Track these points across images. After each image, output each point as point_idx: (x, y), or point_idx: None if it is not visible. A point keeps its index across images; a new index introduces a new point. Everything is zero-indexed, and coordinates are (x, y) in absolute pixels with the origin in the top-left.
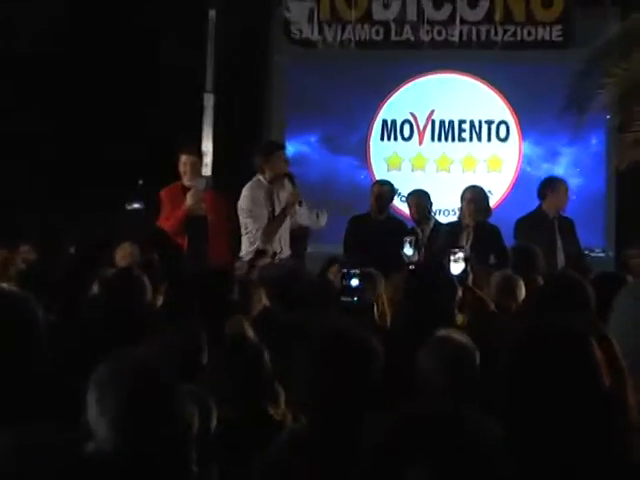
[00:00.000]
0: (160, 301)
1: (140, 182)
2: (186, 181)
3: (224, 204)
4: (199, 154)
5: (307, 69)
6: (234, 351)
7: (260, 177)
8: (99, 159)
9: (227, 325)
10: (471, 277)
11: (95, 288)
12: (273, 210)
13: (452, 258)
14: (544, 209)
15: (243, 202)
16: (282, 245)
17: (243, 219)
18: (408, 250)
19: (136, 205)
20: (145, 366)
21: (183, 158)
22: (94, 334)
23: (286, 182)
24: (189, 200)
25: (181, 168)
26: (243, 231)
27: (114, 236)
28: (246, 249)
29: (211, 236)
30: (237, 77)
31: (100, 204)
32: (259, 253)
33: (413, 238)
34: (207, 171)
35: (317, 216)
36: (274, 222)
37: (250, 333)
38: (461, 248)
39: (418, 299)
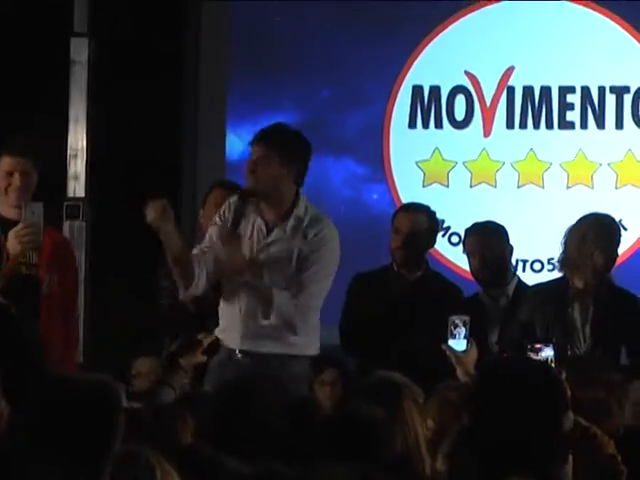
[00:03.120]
0: None
1: None
2: (8, 204)
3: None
4: (31, 154)
5: None
6: None
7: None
8: None
9: None
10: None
11: None
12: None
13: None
14: None
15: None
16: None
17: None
18: (457, 342)
19: None
20: None
21: (5, 162)
22: None
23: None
24: (13, 243)
25: (0, 182)
26: None
27: None
28: None
29: (46, 314)
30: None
31: None
32: (185, 341)
33: (466, 319)
34: (80, 187)
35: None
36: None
37: None
38: (548, 343)
39: (491, 434)
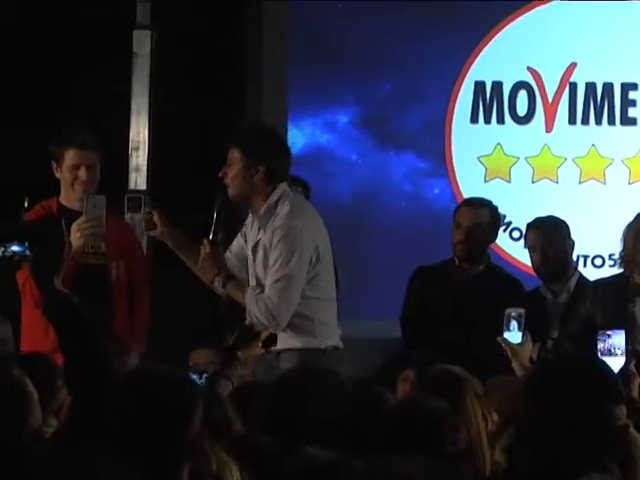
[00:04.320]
0: (55, 424)
1: (25, 202)
2: (74, 197)
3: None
4: (96, 147)
5: None
6: None
7: None
8: None
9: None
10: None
11: None
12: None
13: (601, 347)
14: None
15: None
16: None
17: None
18: (513, 334)
19: (15, 248)
20: None
21: (71, 155)
22: None
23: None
24: (76, 236)
25: (65, 173)
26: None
27: None
28: None
29: (116, 302)
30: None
31: None
32: (242, 333)
33: (522, 312)
34: (141, 179)
35: (267, 309)
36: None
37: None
38: (618, 330)
39: (552, 425)
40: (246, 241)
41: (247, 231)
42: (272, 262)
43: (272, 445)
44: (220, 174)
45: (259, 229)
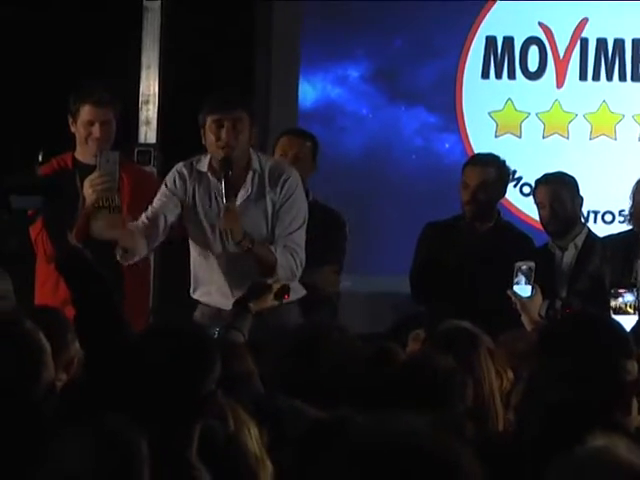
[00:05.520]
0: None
1: (40, 156)
2: (88, 153)
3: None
4: (113, 104)
5: None
6: None
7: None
8: None
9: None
10: None
11: None
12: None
13: (613, 305)
14: None
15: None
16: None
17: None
18: (522, 288)
19: (28, 201)
20: None
21: (86, 111)
22: None
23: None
24: (88, 192)
25: (79, 129)
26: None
27: None
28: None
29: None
30: None
31: None
32: (254, 286)
33: (532, 266)
34: (151, 133)
35: (295, 261)
36: None
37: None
38: (631, 288)
39: (561, 379)
40: (192, 197)
41: (208, 189)
42: (289, 214)
43: (287, 401)
44: (226, 138)
45: (257, 185)
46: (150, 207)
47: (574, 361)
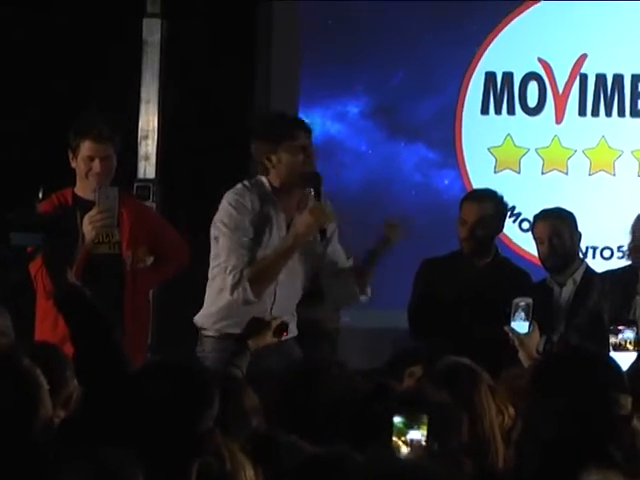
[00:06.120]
0: (62, 415)
1: (40, 192)
2: (88, 188)
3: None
4: (113, 139)
5: None
6: None
7: (262, 179)
8: None
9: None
10: None
11: None
12: (269, 238)
13: (613, 341)
14: None
15: (219, 216)
16: (281, 307)
17: (213, 249)
18: (520, 324)
19: (28, 238)
20: None
21: (87, 146)
22: None
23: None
24: (88, 228)
25: (79, 164)
26: (210, 273)
27: None
28: (212, 307)
29: (131, 291)
30: None
31: None
32: (253, 323)
33: (529, 302)
34: (150, 168)
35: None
36: (270, 259)
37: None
38: (631, 325)
39: (556, 417)
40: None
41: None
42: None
43: (288, 442)
44: (311, 153)
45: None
46: None
47: (568, 399)
